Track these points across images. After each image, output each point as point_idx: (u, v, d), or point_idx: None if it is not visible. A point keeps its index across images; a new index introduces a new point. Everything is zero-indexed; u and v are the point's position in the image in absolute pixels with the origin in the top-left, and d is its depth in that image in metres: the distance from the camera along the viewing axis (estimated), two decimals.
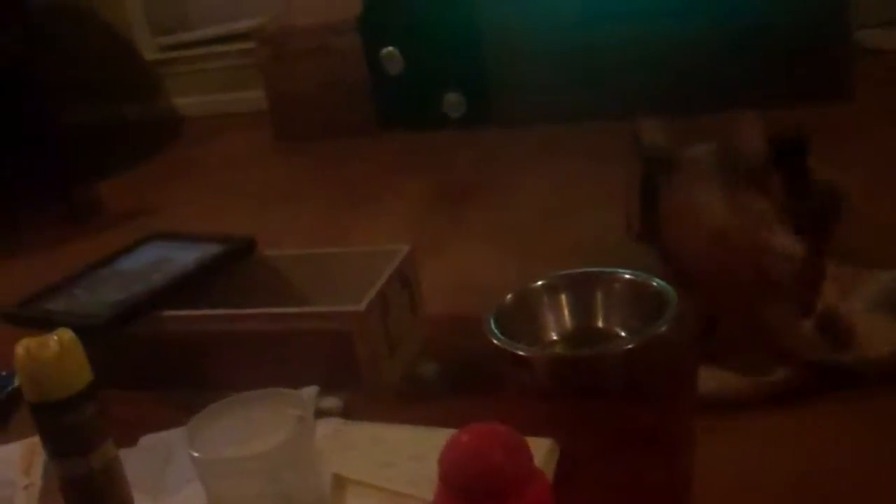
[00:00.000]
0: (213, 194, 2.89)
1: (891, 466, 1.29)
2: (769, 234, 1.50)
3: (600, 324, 1.15)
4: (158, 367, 1.21)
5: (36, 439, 0.94)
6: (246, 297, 1.24)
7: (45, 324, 0.95)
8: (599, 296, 1.16)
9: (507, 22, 2.97)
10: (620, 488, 0.89)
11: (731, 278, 1.52)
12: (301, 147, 3.18)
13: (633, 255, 1.82)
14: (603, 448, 0.95)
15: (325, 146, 3.13)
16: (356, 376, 1.11)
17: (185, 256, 1.31)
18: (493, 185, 2.59)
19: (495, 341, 1.08)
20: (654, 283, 1.12)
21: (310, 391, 1.09)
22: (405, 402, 1.11)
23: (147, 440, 1.07)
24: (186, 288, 1.24)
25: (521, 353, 1.06)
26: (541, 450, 0.91)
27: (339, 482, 0.94)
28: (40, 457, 1.05)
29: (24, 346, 0.85)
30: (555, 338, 1.15)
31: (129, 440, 1.06)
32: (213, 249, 1.32)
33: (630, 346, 1.05)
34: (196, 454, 0.84)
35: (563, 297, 1.17)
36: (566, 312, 1.17)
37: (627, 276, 1.16)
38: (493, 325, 1.10)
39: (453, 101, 3.05)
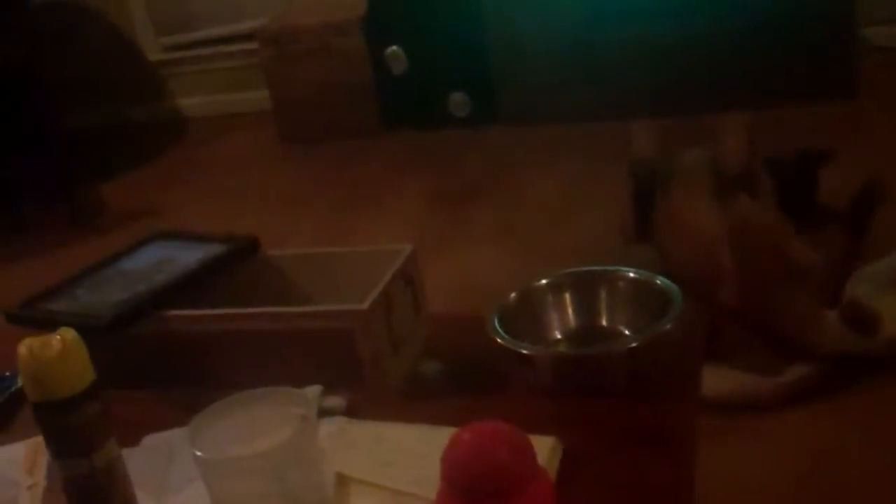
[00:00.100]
0: (217, 195, 2.89)
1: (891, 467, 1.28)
2: (787, 234, 1.51)
3: (604, 322, 1.15)
4: (161, 366, 1.21)
5: (39, 439, 0.95)
6: (249, 296, 1.24)
7: (48, 324, 0.94)
8: (603, 294, 1.16)
9: (511, 21, 2.97)
10: (623, 487, 0.89)
11: (752, 276, 1.52)
12: (305, 147, 3.18)
13: (636, 254, 1.82)
14: (606, 446, 0.95)
15: (330, 146, 3.13)
16: (359, 375, 1.11)
17: (188, 256, 1.31)
18: (497, 184, 2.59)
19: (499, 340, 1.07)
20: (658, 282, 1.12)
21: (313, 390, 1.09)
22: (408, 400, 1.11)
23: (150, 440, 1.07)
24: (189, 288, 1.24)
25: (524, 351, 1.06)
26: (544, 448, 0.90)
27: (343, 481, 0.94)
28: (44, 457, 1.05)
29: (27, 346, 0.85)
30: (558, 336, 1.15)
31: (133, 440, 1.06)
32: (215, 249, 1.31)
33: (634, 345, 1.05)
34: (198, 453, 0.84)
35: (567, 296, 1.17)
36: (570, 311, 1.16)
37: (631, 275, 1.15)
38: (496, 324, 1.10)
39: (458, 101, 3.05)
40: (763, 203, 1.58)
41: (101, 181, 3.10)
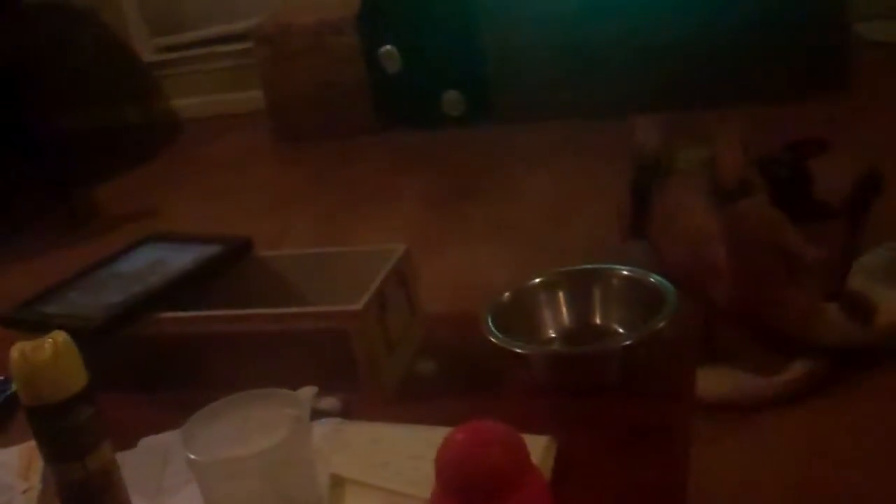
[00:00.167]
0: (212, 196, 2.89)
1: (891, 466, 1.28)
2: (785, 229, 1.50)
3: (598, 320, 1.15)
4: (156, 368, 1.21)
5: (34, 443, 0.94)
6: (243, 297, 1.24)
7: (42, 327, 0.94)
8: (597, 292, 1.16)
9: (505, 20, 2.97)
10: (618, 484, 0.89)
11: (749, 273, 1.52)
12: (300, 147, 3.18)
13: (632, 251, 1.82)
14: (601, 444, 0.95)
15: (325, 146, 3.13)
16: (354, 376, 1.11)
17: (182, 258, 1.30)
18: (493, 183, 2.59)
19: (493, 339, 1.07)
20: (652, 279, 1.12)
21: (308, 391, 1.09)
22: (403, 401, 1.11)
23: (145, 442, 1.07)
24: (183, 289, 1.24)
25: (518, 350, 1.06)
26: (538, 447, 0.90)
27: (338, 482, 0.94)
28: (38, 461, 1.05)
29: (19, 350, 0.85)
30: (552, 335, 1.15)
31: (127, 442, 1.05)
32: (209, 250, 1.31)
33: (628, 343, 1.05)
34: (191, 456, 0.84)
35: (561, 294, 1.17)
36: (564, 309, 1.16)
37: (625, 273, 1.15)
38: (490, 323, 1.09)
39: (452, 99, 3.05)
40: (759, 201, 1.58)
41: (96, 183, 3.10)
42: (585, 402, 1.01)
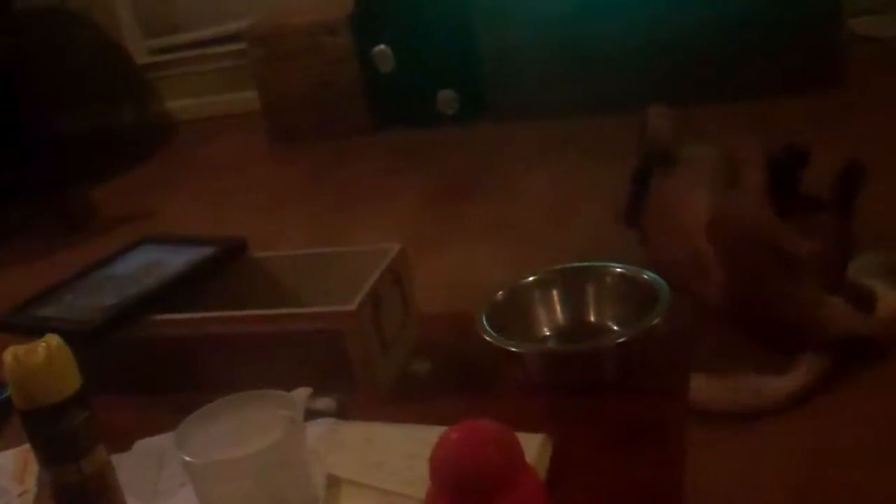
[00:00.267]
0: (208, 198, 2.89)
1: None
2: (777, 226, 1.50)
3: (592, 318, 1.15)
4: (151, 371, 1.21)
5: (29, 446, 0.94)
6: (238, 299, 1.24)
7: (36, 330, 0.94)
8: (591, 290, 1.16)
9: (499, 17, 2.97)
10: (614, 482, 0.89)
11: (743, 272, 1.52)
12: (296, 147, 3.18)
13: (630, 249, 1.82)
14: (596, 442, 0.95)
15: (320, 146, 3.13)
16: (349, 376, 1.11)
17: (177, 259, 1.30)
18: (489, 181, 2.59)
19: (487, 338, 1.07)
20: (646, 276, 1.12)
21: (303, 392, 1.09)
22: (399, 400, 1.11)
23: (140, 445, 1.07)
24: (178, 291, 1.24)
25: (513, 349, 1.06)
26: (533, 445, 0.90)
27: (333, 482, 0.94)
28: (34, 464, 1.04)
29: (12, 353, 0.85)
30: (547, 333, 1.15)
31: (123, 445, 1.05)
32: (204, 252, 1.31)
33: (622, 340, 1.05)
34: (186, 457, 0.84)
35: (555, 292, 1.17)
36: (558, 307, 1.17)
37: (619, 270, 1.15)
38: (485, 322, 1.10)
39: (447, 98, 3.05)
40: (750, 200, 1.57)
41: (91, 185, 3.10)
42: (580, 400, 1.01)
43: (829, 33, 2.70)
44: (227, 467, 0.84)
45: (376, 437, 1.01)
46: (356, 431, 1.02)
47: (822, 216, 1.58)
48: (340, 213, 2.57)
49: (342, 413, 1.07)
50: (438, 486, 0.76)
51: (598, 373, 1.05)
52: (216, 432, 0.88)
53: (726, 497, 1.26)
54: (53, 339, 0.86)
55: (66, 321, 1.19)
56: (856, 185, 1.53)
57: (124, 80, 3.77)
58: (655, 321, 1.04)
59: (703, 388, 1.40)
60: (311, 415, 1.04)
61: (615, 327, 1.12)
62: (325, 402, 1.08)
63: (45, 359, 0.85)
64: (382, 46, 3.05)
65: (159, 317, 1.19)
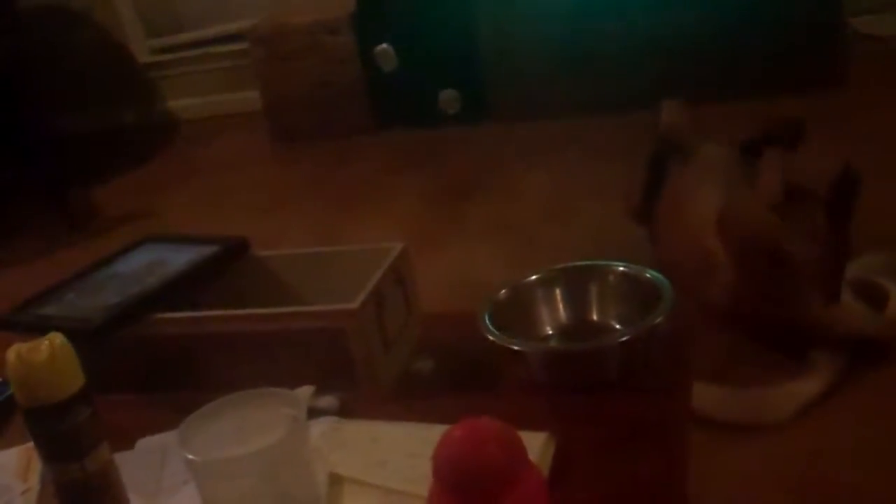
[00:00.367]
0: (210, 197, 2.88)
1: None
2: (778, 226, 1.49)
3: (595, 317, 1.15)
4: (153, 369, 1.21)
5: (32, 444, 0.94)
6: (240, 297, 1.24)
7: (38, 329, 0.94)
8: (593, 289, 1.16)
9: (501, 17, 2.97)
10: (617, 481, 0.89)
11: (748, 272, 1.51)
12: (298, 147, 3.18)
13: (632, 249, 1.82)
14: (599, 441, 0.95)
15: (322, 146, 3.13)
16: (351, 375, 1.11)
17: (179, 258, 1.31)
18: (491, 181, 2.59)
19: (490, 336, 1.07)
20: (648, 275, 1.12)
21: (305, 390, 1.09)
22: (401, 399, 1.11)
23: (143, 443, 1.07)
24: (180, 290, 1.24)
25: (515, 347, 1.06)
26: (536, 444, 0.90)
27: (336, 481, 0.94)
28: (37, 462, 1.05)
29: (16, 352, 0.85)
30: (550, 332, 1.15)
31: (126, 443, 1.06)
32: (206, 251, 1.31)
33: (625, 339, 1.05)
34: (189, 456, 0.84)
35: (558, 291, 1.17)
36: (561, 306, 1.17)
37: (621, 269, 1.15)
38: (487, 321, 1.10)
39: (449, 98, 3.05)
40: (753, 203, 1.56)
41: (93, 185, 3.09)
42: (583, 398, 1.01)
43: (830, 32, 2.70)
44: (230, 465, 0.84)
45: (379, 435, 1.01)
46: (359, 430, 1.03)
47: (808, 206, 1.56)
48: (342, 213, 2.57)
49: (345, 411, 1.07)
50: (442, 484, 0.76)
51: (600, 372, 1.05)
52: (219, 430, 0.88)
53: (726, 496, 1.26)
54: (57, 338, 0.86)
55: (68, 320, 1.19)
56: (852, 192, 1.52)
57: (126, 79, 3.77)
58: (658, 320, 1.04)
59: (707, 396, 1.39)
60: (313, 413, 1.04)
61: (618, 326, 1.12)
62: (327, 401, 1.08)
63: (48, 357, 0.85)
64: (385, 46, 3.05)
65: (161, 316, 1.19)
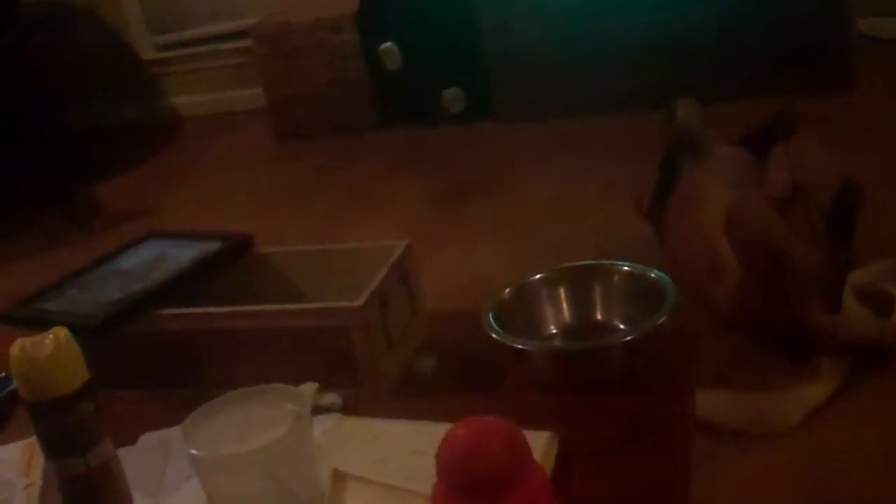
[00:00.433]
0: (213, 194, 2.88)
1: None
2: (784, 230, 1.49)
3: (599, 316, 1.15)
4: (157, 365, 1.21)
5: (35, 439, 0.94)
6: (243, 294, 1.24)
7: (42, 324, 0.94)
8: (598, 288, 1.16)
9: (505, 16, 2.96)
10: (620, 479, 0.89)
11: (754, 274, 1.51)
12: (301, 145, 3.17)
13: (636, 249, 1.81)
14: (602, 440, 0.94)
15: (326, 144, 3.12)
16: (355, 372, 1.11)
17: (183, 255, 1.30)
18: (494, 180, 2.58)
19: (494, 335, 1.07)
20: (653, 275, 1.12)
21: (308, 387, 1.09)
22: (404, 397, 1.11)
23: (146, 438, 1.07)
24: (184, 286, 1.24)
25: (520, 346, 1.06)
26: (540, 443, 0.90)
27: (339, 477, 0.94)
28: (39, 457, 1.04)
29: (20, 346, 0.85)
30: (554, 331, 1.15)
31: (129, 439, 1.06)
32: (210, 247, 1.31)
33: (629, 338, 1.04)
34: (193, 451, 0.84)
35: (562, 291, 1.17)
36: (565, 305, 1.16)
37: (625, 269, 1.15)
38: (491, 320, 1.09)
39: (453, 96, 3.04)
40: (758, 205, 1.56)
41: (97, 181, 3.09)
42: (587, 397, 1.01)
43: (836, 34, 2.69)
44: (233, 461, 0.84)
45: (382, 432, 1.01)
46: (362, 427, 1.02)
47: (799, 200, 1.56)
48: (346, 210, 2.57)
49: (348, 409, 1.07)
50: (445, 482, 0.76)
51: (604, 371, 1.05)
52: (223, 426, 0.88)
53: (731, 499, 1.26)
54: (61, 332, 0.86)
55: (71, 315, 1.19)
56: (853, 206, 1.52)
57: (130, 76, 3.77)
58: (662, 320, 1.04)
59: (711, 404, 1.38)
60: (316, 410, 1.04)
61: (622, 326, 1.12)
62: (330, 398, 1.08)
63: (52, 351, 0.85)
64: (389, 44, 3.04)
65: (165, 311, 1.19)
